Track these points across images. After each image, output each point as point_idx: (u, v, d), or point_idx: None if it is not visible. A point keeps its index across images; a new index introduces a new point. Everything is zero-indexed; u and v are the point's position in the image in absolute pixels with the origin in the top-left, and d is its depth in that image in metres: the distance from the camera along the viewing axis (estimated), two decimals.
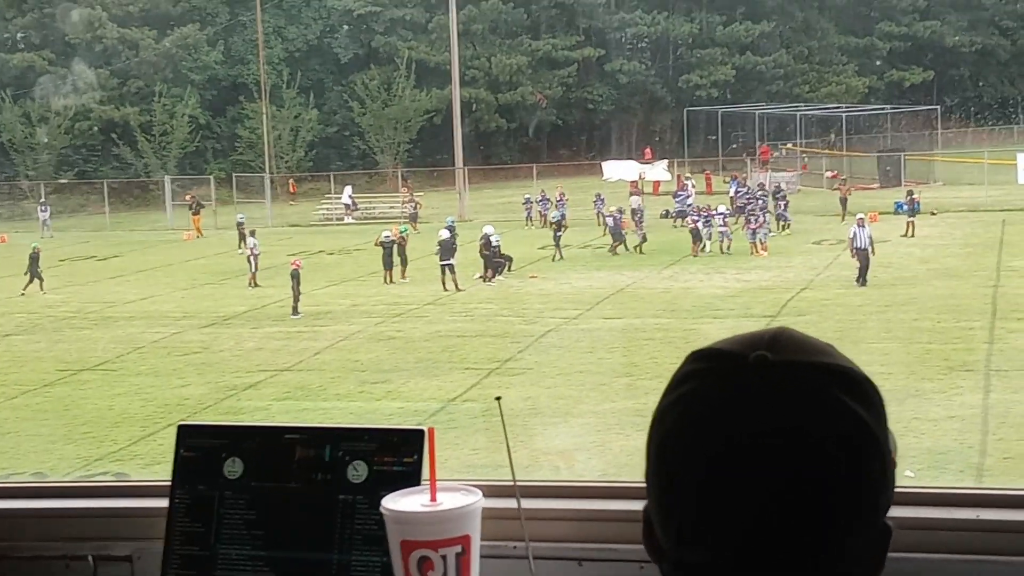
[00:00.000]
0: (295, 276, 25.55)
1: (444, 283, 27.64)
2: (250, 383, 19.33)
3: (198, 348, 22.52)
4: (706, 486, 1.31)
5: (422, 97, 52.22)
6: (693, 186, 40.82)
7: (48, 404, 18.95)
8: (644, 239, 32.38)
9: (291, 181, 48.22)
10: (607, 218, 34.07)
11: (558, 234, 31.79)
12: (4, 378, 20.50)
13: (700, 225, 32.03)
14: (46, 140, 47.91)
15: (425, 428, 2.52)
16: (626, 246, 32.39)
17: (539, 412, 17.03)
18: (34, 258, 29.63)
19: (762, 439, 1.30)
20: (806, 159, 47.80)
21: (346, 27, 55.57)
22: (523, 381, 18.93)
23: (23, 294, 28.44)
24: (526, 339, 21.94)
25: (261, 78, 49.00)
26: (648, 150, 51.17)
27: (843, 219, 33.96)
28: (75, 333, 24.18)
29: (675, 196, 38.84)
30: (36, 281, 29.11)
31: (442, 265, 28.07)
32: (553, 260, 30.82)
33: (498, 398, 2.48)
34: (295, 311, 24.88)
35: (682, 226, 34.69)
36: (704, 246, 31.28)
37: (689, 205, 36.66)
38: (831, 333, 17.97)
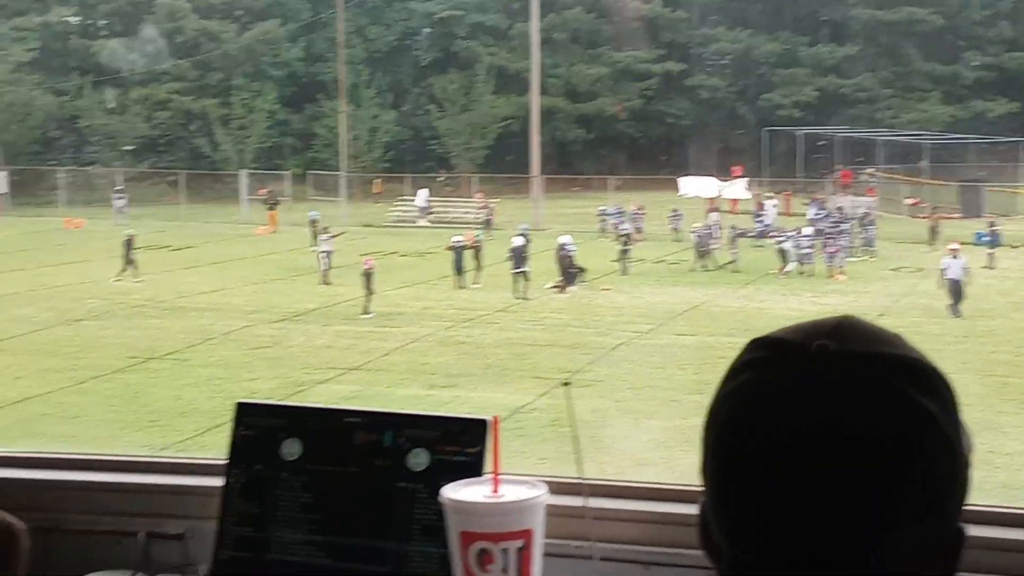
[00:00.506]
0: (368, 275, 25.59)
1: (516, 291, 27.59)
2: (319, 380, 19.37)
3: (268, 342, 22.62)
4: (763, 481, 1.23)
5: (500, 103, 52.26)
6: (775, 206, 40.55)
7: (117, 390, 19.09)
8: (736, 258, 32.17)
9: (376, 181, 48.37)
10: (692, 234, 33.83)
11: (626, 248, 31.60)
12: (75, 363, 20.69)
13: (787, 245, 31.75)
14: (126, 129, 48.48)
15: (489, 418, 2.43)
16: (709, 263, 32.22)
17: (607, 425, 16.94)
18: (128, 245, 29.79)
19: (822, 433, 1.21)
20: (874, 184, 47.34)
21: (427, 30, 55.77)
22: (592, 393, 18.84)
23: (118, 280, 28.65)
24: (597, 351, 21.85)
25: (340, 77, 49.24)
26: (738, 167, 50.90)
27: (931, 247, 33.57)
28: (146, 321, 24.37)
29: (756, 216, 38.54)
30: (130, 267, 29.29)
31: (515, 272, 28.01)
32: (621, 274, 30.65)
33: (566, 383, 2.39)
34: (366, 310, 24.92)
35: (760, 246, 34.41)
36: (788, 266, 31.02)
37: (767, 225, 36.42)
38: None
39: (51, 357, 21.10)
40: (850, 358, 1.25)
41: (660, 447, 15.55)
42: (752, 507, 1.24)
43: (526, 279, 27.86)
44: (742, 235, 34.28)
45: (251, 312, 25.36)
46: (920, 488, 1.22)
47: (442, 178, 49.44)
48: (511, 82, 52.41)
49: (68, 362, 20.74)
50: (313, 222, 34.17)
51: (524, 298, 27.39)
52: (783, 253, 31.53)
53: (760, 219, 38.04)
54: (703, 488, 1.32)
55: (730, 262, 32.12)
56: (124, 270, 29.25)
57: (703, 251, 32.61)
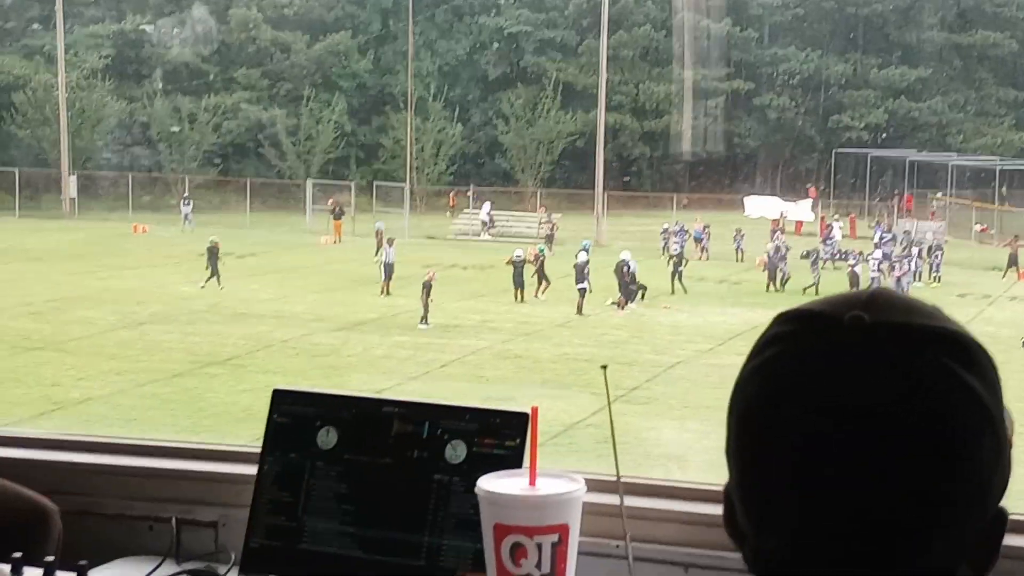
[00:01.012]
0: (427, 286, 25.60)
1: (578, 306, 27.54)
2: (376, 389, 19.37)
3: (327, 351, 22.71)
4: (791, 462, 1.15)
5: (567, 119, 52.23)
6: (840, 228, 40.27)
7: (176, 395, 19.23)
8: (817, 280, 31.87)
9: (451, 194, 48.39)
10: (766, 255, 33.55)
11: (679, 268, 31.38)
12: (135, 365, 20.86)
13: (858, 269, 31.47)
14: (195, 136, 48.90)
15: (529, 409, 2.38)
16: (776, 284, 31.98)
17: (663, 443, 16.88)
18: (213, 252, 29.90)
19: (856, 410, 1.13)
20: (937, 209, 46.90)
21: (496, 45, 55.85)
22: (648, 411, 18.79)
23: (203, 287, 28.79)
24: (654, 369, 21.78)
25: (409, 89, 49.42)
26: (812, 189, 50.60)
27: (1004, 275, 33.19)
28: (207, 327, 24.52)
29: (826, 240, 38.21)
30: (215, 276, 29.32)
31: (578, 288, 27.98)
32: (671, 293, 30.41)
33: (604, 366, 2.34)
34: (424, 320, 24.93)
35: (832, 268, 34.11)
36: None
37: (835, 247, 36.21)
38: None
39: (113, 359, 21.30)
40: (886, 331, 1.16)
41: (714, 467, 15.33)
42: (782, 489, 1.17)
43: (586, 295, 27.80)
44: (808, 257, 33.99)
45: (311, 320, 25.46)
46: (965, 468, 1.14)
47: (506, 192, 49.53)
48: (578, 98, 52.39)
49: (129, 365, 20.92)
50: (378, 232, 34.26)
51: (583, 314, 27.33)
52: (853, 277, 31.24)
53: (831, 242, 37.72)
54: (728, 471, 1.25)
55: (811, 284, 31.70)
56: (209, 278, 29.26)
57: (776, 272, 32.31)
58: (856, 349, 1.15)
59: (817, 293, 31.26)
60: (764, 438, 1.18)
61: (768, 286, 32.07)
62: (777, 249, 33.39)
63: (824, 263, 34.90)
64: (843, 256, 33.95)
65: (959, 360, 1.16)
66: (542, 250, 31.55)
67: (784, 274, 32.37)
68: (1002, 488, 1.19)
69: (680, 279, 31.15)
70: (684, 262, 32.03)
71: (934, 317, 1.21)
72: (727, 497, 1.27)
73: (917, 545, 1.14)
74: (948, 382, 1.15)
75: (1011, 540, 2.16)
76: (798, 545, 1.16)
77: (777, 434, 1.16)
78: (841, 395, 1.14)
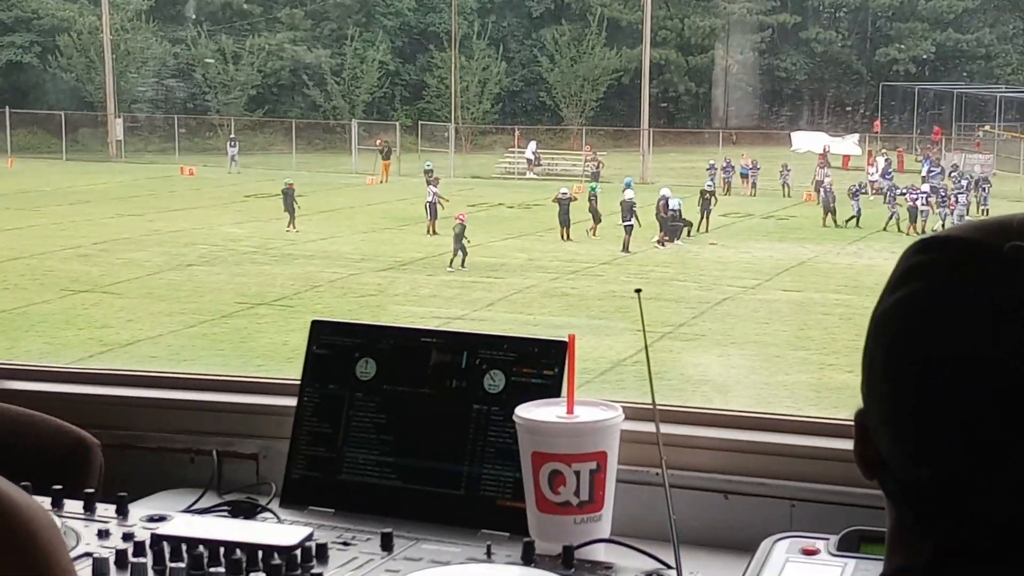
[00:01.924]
0: (459, 230, 25.44)
1: (624, 244, 27.46)
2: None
3: (374, 291, 22.76)
4: (957, 397, 1.10)
5: (611, 56, 51.85)
6: (887, 162, 39.92)
7: (225, 335, 19.34)
8: (856, 214, 31.67)
9: (517, 135, 48.08)
10: (822, 189, 33.29)
11: (708, 206, 31.07)
12: (184, 307, 20.98)
13: (919, 204, 31.19)
14: (240, 77, 48.91)
15: (567, 337, 2.36)
16: (835, 220, 31.72)
17: (710, 380, 16.87)
18: (288, 194, 29.90)
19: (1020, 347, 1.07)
20: (983, 140, 46.40)
21: None
22: (695, 347, 18.76)
23: (288, 230, 28.86)
24: (701, 305, 21.72)
25: (453, 28, 49.22)
26: (877, 122, 50.14)
27: None
28: (255, 268, 24.63)
29: (885, 174, 37.81)
30: (289, 217, 29.34)
31: (625, 225, 27.87)
32: (698, 231, 30.10)
33: (638, 290, 2.32)
34: (451, 264, 24.75)
35: (883, 202, 33.81)
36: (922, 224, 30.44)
37: (891, 182, 35.92)
38: None
39: (161, 301, 21.44)
40: None
41: (762, 402, 15.40)
42: (943, 423, 1.12)
43: (632, 232, 27.69)
44: (858, 191, 33.71)
45: (358, 260, 25.52)
46: None
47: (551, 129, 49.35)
48: (623, 34, 51.99)
49: (178, 306, 21.05)
50: (427, 171, 34.21)
51: (630, 251, 27.26)
52: (912, 212, 30.98)
53: (889, 176, 37.33)
54: (867, 402, 1.20)
55: (852, 217, 31.51)
56: (291, 221, 29.26)
57: (831, 206, 32.02)
58: (1018, 283, 1.10)
59: (847, 225, 31.21)
60: (927, 374, 1.12)
61: (824, 220, 31.80)
62: (829, 184, 33.07)
63: (887, 197, 34.45)
64: (910, 191, 33.51)
65: None
66: (593, 188, 31.40)
67: (835, 209, 32.07)
68: None
69: (707, 216, 30.83)
70: (714, 200, 31.69)
71: None
72: (862, 426, 1.21)
73: None
74: None
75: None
76: (952, 480, 1.12)
77: (943, 372, 1.11)
78: (1013, 331, 1.08)
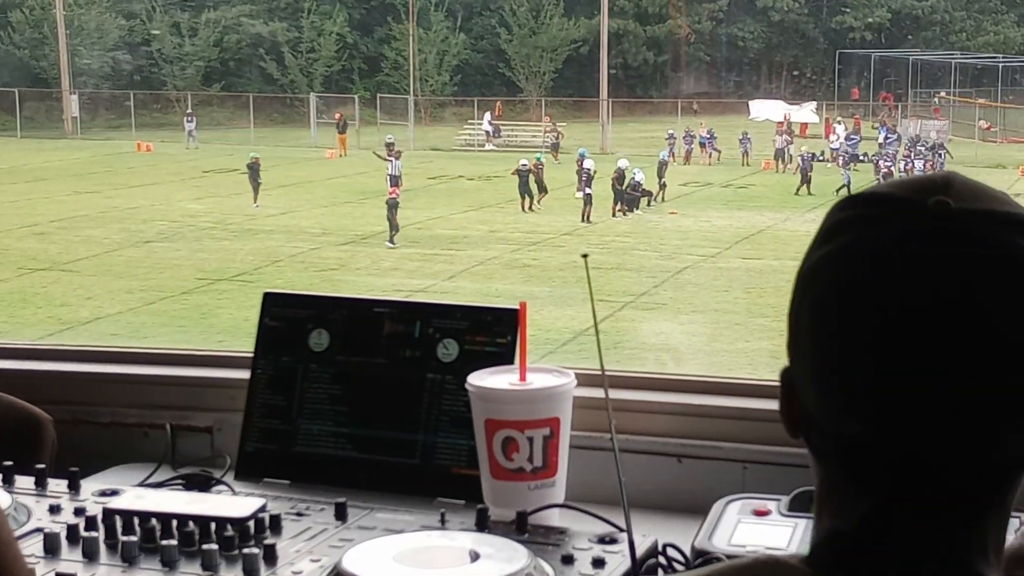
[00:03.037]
0: (392, 206, 25.29)
1: (585, 214, 27.48)
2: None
3: (335, 264, 22.72)
4: (884, 351, 1.11)
5: (570, 26, 51.80)
6: (845, 130, 40.10)
7: (185, 312, 19.27)
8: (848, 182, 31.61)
9: (498, 104, 47.80)
10: (800, 158, 33.20)
11: (661, 178, 30.99)
12: (143, 284, 20.89)
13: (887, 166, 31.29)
14: (195, 51, 48.56)
15: (518, 305, 2.36)
16: (808, 189, 31.58)
17: (671, 348, 16.93)
18: (254, 168, 29.69)
19: (950, 297, 1.10)
20: (941, 106, 46.69)
21: None
22: (657, 316, 18.82)
23: (256, 206, 28.68)
24: (662, 274, 21.79)
25: None
26: (855, 90, 50.24)
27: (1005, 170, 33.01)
28: (214, 243, 24.53)
29: (848, 140, 37.91)
30: (253, 192, 29.19)
31: (583, 196, 27.89)
32: (660, 199, 30.08)
33: (585, 255, 2.32)
34: (390, 240, 24.57)
35: (838, 167, 33.90)
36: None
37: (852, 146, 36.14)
38: None
39: (121, 278, 21.33)
40: (972, 217, 1.13)
41: (723, 369, 15.46)
42: (861, 379, 1.13)
43: (592, 203, 27.70)
44: (814, 159, 33.78)
45: (319, 235, 25.45)
46: None
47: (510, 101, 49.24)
48: (581, 5, 51.93)
49: (138, 283, 20.95)
50: (389, 145, 34.03)
51: (591, 221, 27.28)
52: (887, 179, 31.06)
53: (852, 142, 37.43)
54: (792, 359, 1.21)
55: (843, 186, 31.42)
56: (256, 196, 29.04)
57: (807, 177, 31.97)
58: (943, 236, 1.12)
59: (811, 194, 31.22)
60: (849, 324, 1.14)
61: (798, 190, 31.69)
62: (809, 153, 32.99)
63: (845, 163, 34.50)
64: (852, 158, 33.68)
65: None
66: (539, 158, 31.35)
67: (807, 179, 32.03)
68: None
69: (663, 186, 30.76)
70: (666, 169, 31.59)
71: (1008, 203, 1.18)
72: (788, 384, 1.23)
73: (1006, 435, 1.12)
74: None
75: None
76: (880, 431, 1.13)
77: (867, 322, 1.13)
78: (933, 282, 1.11)
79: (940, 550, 1.15)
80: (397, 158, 30.54)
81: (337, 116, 41.98)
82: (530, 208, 28.79)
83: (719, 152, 38.58)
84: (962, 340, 1.09)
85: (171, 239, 24.88)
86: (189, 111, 43.77)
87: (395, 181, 29.13)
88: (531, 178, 29.22)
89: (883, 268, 1.12)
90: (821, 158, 35.68)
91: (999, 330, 1.10)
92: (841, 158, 34.82)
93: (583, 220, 27.34)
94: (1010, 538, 1.67)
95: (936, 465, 1.13)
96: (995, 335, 1.10)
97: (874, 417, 1.13)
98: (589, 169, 28.39)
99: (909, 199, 1.15)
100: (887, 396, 1.12)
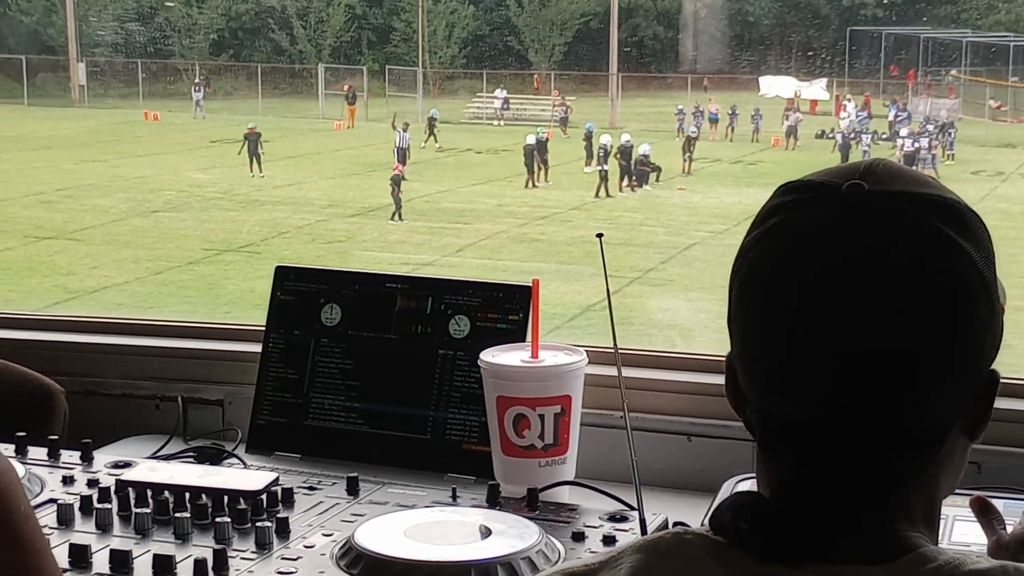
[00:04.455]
0: (396, 181, 25.23)
1: (597, 189, 27.42)
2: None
3: (342, 237, 22.69)
4: (793, 323, 1.17)
5: None
6: (854, 107, 39.98)
7: (192, 282, 19.26)
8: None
9: (536, 76, 47.62)
10: (840, 136, 33.08)
11: (690, 153, 30.92)
12: (150, 253, 20.87)
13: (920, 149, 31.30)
14: (203, 21, 48.43)
15: (531, 282, 2.37)
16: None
17: (678, 324, 16.92)
18: (251, 138, 29.50)
19: (853, 271, 1.15)
20: (954, 84, 46.55)
21: None
22: (664, 292, 18.81)
23: (256, 176, 28.64)
24: (670, 250, 21.75)
25: None
26: (893, 67, 50.09)
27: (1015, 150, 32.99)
28: (221, 214, 24.49)
29: (859, 118, 37.88)
30: (255, 162, 29.09)
31: (599, 171, 27.82)
32: (686, 174, 30.05)
33: (599, 235, 2.33)
34: (399, 216, 24.48)
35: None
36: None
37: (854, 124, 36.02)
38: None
39: (127, 248, 21.31)
40: (885, 197, 1.19)
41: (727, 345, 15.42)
42: (781, 353, 1.18)
43: (608, 178, 27.61)
44: (821, 136, 33.75)
45: (326, 206, 25.41)
46: (961, 329, 1.17)
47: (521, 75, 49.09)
48: None
49: (144, 253, 20.93)
50: (430, 120, 33.85)
51: (609, 195, 27.22)
52: (910, 158, 31.02)
53: (861, 119, 37.38)
54: (730, 340, 1.26)
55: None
56: (255, 166, 28.95)
57: (847, 155, 31.88)
58: (853, 215, 1.18)
59: None
60: (766, 303, 1.20)
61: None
62: (834, 131, 32.87)
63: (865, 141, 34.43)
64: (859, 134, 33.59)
65: (954, 226, 1.19)
66: (540, 131, 31.16)
67: (846, 157, 31.94)
68: (994, 352, 1.22)
69: (690, 161, 30.82)
70: (692, 146, 31.63)
71: (931, 186, 1.24)
72: (729, 365, 1.28)
73: (914, 402, 1.16)
74: (943, 244, 1.17)
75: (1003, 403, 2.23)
76: (800, 406, 1.18)
77: (778, 298, 1.19)
78: (837, 257, 1.16)
79: (855, 515, 1.18)
80: (405, 130, 30.47)
81: (346, 87, 41.87)
82: (534, 184, 28.67)
83: (732, 128, 38.50)
84: (868, 312, 1.14)
85: (178, 209, 24.84)
86: (197, 81, 43.69)
87: (402, 155, 29.08)
88: (535, 153, 29.12)
89: (795, 249, 1.19)
90: (831, 135, 35.60)
91: (905, 301, 1.14)
92: (852, 136, 34.72)
93: (596, 195, 27.27)
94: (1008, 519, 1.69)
95: (848, 433, 1.17)
96: (900, 306, 1.14)
97: (791, 394, 1.17)
98: (605, 145, 28.29)
99: (828, 184, 1.22)
100: (801, 371, 1.16)
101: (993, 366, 1.23)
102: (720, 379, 2.42)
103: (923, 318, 1.14)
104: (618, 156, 28.56)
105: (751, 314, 1.22)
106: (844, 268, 1.15)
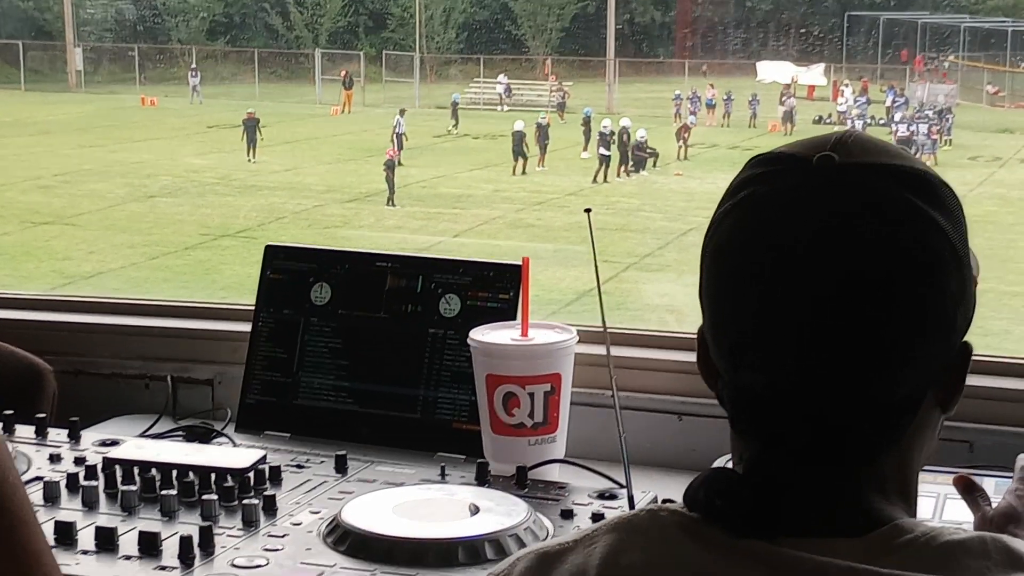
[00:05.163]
0: (389, 166, 25.20)
1: (596, 174, 27.40)
2: None
3: (339, 222, 22.67)
4: (763, 294, 1.16)
5: None
6: (852, 92, 39.98)
7: (188, 267, 19.25)
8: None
9: (545, 62, 47.54)
10: (861, 122, 33.04)
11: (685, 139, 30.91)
12: (146, 239, 20.86)
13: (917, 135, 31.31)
14: (200, 4, 48.32)
15: (521, 261, 2.36)
16: None
17: (675, 309, 16.89)
18: (248, 124, 29.46)
19: (825, 241, 1.14)
20: (949, 69, 46.55)
21: None
22: (661, 278, 18.81)
23: (252, 161, 28.60)
24: (667, 236, 21.75)
25: None
26: (919, 59, 50.09)
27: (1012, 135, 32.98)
28: (218, 199, 24.47)
29: (858, 104, 37.89)
30: (252, 147, 29.03)
31: (600, 156, 27.81)
32: (682, 159, 30.08)
33: (587, 210, 2.32)
34: (391, 201, 24.44)
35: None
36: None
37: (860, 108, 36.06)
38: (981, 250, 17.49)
39: (124, 233, 21.29)
40: (855, 169, 1.18)
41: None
42: (750, 324, 1.17)
43: (609, 164, 27.58)
44: (818, 121, 33.75)
45: (323, 192, 25.39)
46: (936, 299, 1.16)
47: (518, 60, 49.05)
48: None
49: (141, 238, 20.92)
50: (454, 104, 33.69)
51: (606, 181, 27.20)
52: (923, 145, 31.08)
53: (860, 104, 37.38)
54: (702, 314, 1.26)
55: None
56: (251, 150, 28.89)
57: None
58: (824, 187, 1.17)
59: None
60: (736, 274, 1.19)
61: None
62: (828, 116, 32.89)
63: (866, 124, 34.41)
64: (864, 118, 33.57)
65: (925, 197, 1.18)
66: (543, 115, 31.14)
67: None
68: (966, 325, 1.21)
69: (686, 147, 30.81)
70: (688, 133, 31.62)
71: (902, 157, 1.23)
72: (701, 339, 1.28)
73: (886, 374, 1.15)
74: (913, 215, 1.16)
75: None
76: (770, 379, 1.16)
77: (748, 269, 1.18)
78: (806, 227, 1.15)
79: (829, 488, 1.17)
80: (401, 115, 30.43)
81: (343, 72, 41.83)
82: (523, 171, 28.53)
83: (727, 115, 38.49)
84: (839, 283, 1.13)
85: (174, 194, 24.82)
86: (193, 66, 43.61)
87: (400, 141, 29.05)
88: (538, 136, 29.09)
89: (764, 221, 1.18)
90: (828, 120, 35.60)
91: (876, 273, 1.13)
92: (849, 121, 34.72)
93: (594, 180, 27.24)
94: (998, 498, 1.69)
95: (820, 405, 1.15)
96: (872, 277, 1.13)
97: (761, 366, 1.16)
98: (606, 128, 28.25)
99: (800, 156, 1.21)
100: (770, 342, 1.16)
101: (966, 338, 1.21)
102: None
103: (895, 290, 1.14)
104: (619, 141, 28.54)
105: (721, 286, 1.21)
106: (815, 240, 1.14)
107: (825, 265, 1.14)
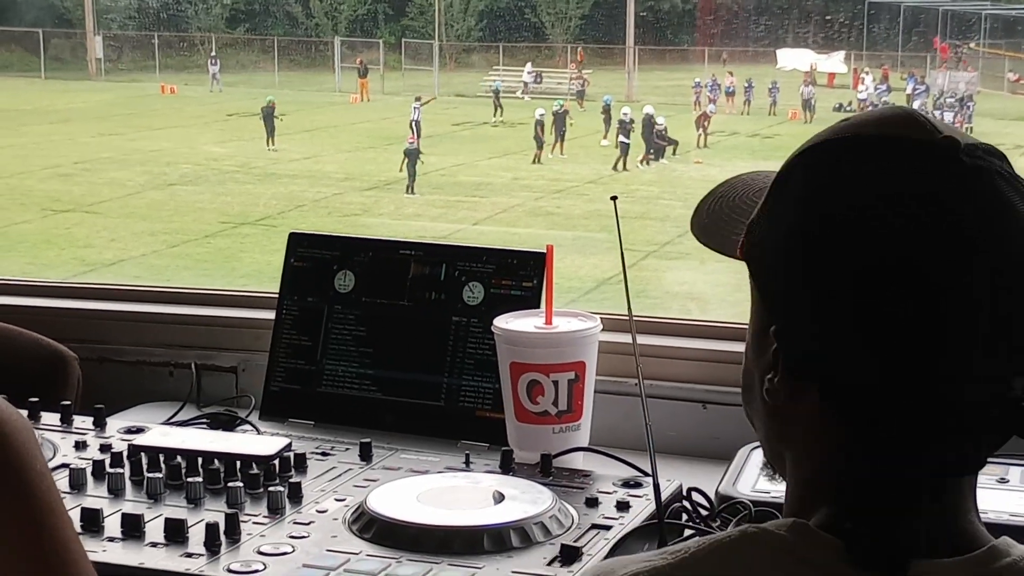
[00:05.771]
0: (409, 154, 25.15)
1: (616, 163, 27.35)
2: None
3: (358, 210, 22.68)
4: (862, 285, 1.10)
5: None
6: (872, 80, 39.83)
7: (208, 255, 19.28)
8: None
9: (572, 50, 47.36)
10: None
11: (703, 124, 30.85)
12: (167, 226, 20.90)
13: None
14: None
15: (545, 248, 2.36)
16: None
17: (695, 297, 16.89)
18: (268, 112, 29.50)
19: (998, 231, 1.09)
20: (969, 57, 46.31)
21: None
22: (681, 265, 18.76)
23: (271, 149, 28.61)
24: (687, 224, 21.43)
25: None
26: (944, 47, 49.93)
27: None
28: (238, 187, 24.50)
29: (876, 90, 37.78)
30: (271, 135, 29.07)
31: (621, 144, 27.76)
32: (700, 148, 30.02)
33: (614, 198, 2.31)
34: (410, 190, 24.41)
35: None
36: None
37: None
38: None
39: (144, 220, 21.34)
40: (984, 151, 1.13)
41: (745, 318, 15.37)
42: (851, 313, 1.11)
43: (629, 152, 27.54)
44: (838, 109, 33.65)
45: (342, 180, 25.40)
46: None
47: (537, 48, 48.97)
48: None
49: (161, 226, 20.96)
50: (495, 92, 33.57)
51: (616, 169, 27.17)
52: None
53: (880, 92, 37.27)
54: (769, 313, 1.26)
55: None
56: (270, 139, 28.94)
57: None
58: (980, 171, 1.11)
59: None
60: (859, 274, 1.12)
61: None
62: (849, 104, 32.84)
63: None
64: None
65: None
66: (560, 103, 31.08)
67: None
68: None
69: (705, 135, 30.78)
70: (707, 122, 31.58)
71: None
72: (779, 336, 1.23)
73: (1008, 379, 1.10)
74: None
75: None
76: (875, 371, 1.11)
77: (872, 271, 1.11)
78: (997, 215, 1.10)
79: (956, 507, 1.12)
80: (418, 102, 30.39)
81: (358, 60, 41.83)
82: (538, 159, 28.50)
83: (748, 102, 38.42)
84: (970, 275, 1.07)
85: (194, 182, 24.86)
86: (213, 54, 43.65)
87: (418, 128, 29.02)
88: (557, 124, 29.07)
89: (906, 220, 1.09)
90: (849, 108, 35.47)
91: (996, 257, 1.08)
92: (870, 108, 34.65)
93: (614, 168, 27.20)
94: None
95: (957, 407, 1.08)
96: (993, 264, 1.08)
97: (869, 356, 1.10)
98: (626, 116, 28.20)
99: (914, 139, 1.13)
100: (913, 339, 1.08)
101: None
102: (734, 346, 2.43)
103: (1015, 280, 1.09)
104: (643, 128, 28.50)
105: (842, 290, 1.12)
106: (998, 225, 1.10)
107: (1002, 255, 1.09)
